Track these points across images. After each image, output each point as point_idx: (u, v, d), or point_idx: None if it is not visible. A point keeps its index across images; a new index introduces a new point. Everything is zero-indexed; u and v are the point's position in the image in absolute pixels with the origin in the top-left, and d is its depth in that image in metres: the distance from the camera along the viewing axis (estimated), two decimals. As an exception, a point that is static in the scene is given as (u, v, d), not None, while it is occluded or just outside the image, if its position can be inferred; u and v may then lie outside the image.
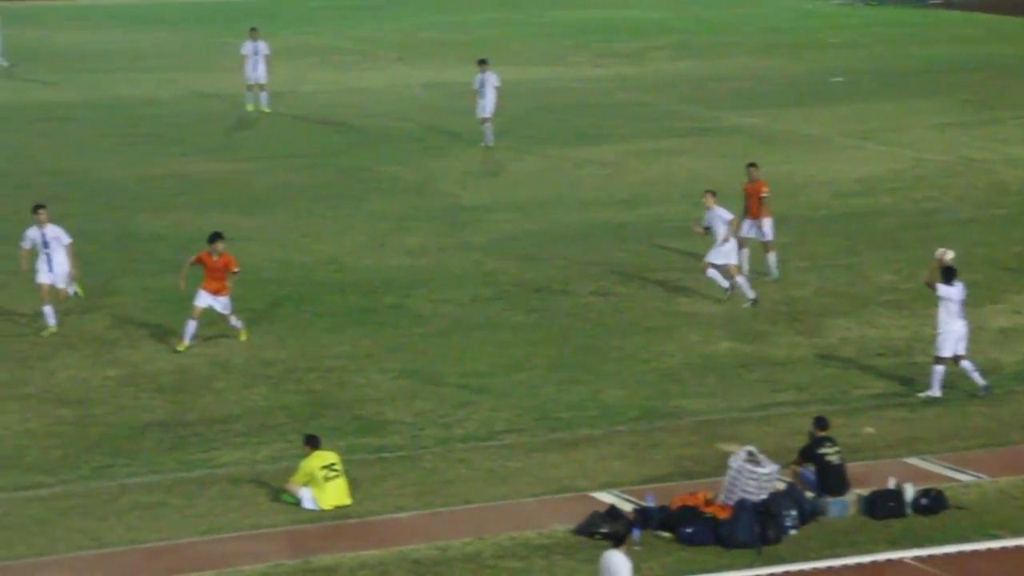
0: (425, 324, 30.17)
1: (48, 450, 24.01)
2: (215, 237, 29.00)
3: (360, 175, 43.64)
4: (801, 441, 22.37)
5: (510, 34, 74.86)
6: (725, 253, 31.26)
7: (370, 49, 69.61)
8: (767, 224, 32.75)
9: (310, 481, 21.88)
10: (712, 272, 31.33)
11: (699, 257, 34.62)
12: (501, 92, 46.56)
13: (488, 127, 46.48)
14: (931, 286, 26.11)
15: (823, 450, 21.79)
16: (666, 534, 20.74)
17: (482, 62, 47.07)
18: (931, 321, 28.05)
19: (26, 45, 69.46)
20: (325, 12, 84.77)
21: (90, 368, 27.65)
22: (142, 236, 36.87)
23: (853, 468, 22.15)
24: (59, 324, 29.52)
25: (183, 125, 51.24)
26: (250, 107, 52.57)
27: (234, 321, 29.03)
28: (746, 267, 32.21)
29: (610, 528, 17.94)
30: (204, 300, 28.70)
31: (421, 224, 37.92)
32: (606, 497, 21.89)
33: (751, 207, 32.75)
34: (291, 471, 22.28)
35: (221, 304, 28.83)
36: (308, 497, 21.85)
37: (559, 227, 37.60)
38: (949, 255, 26.15)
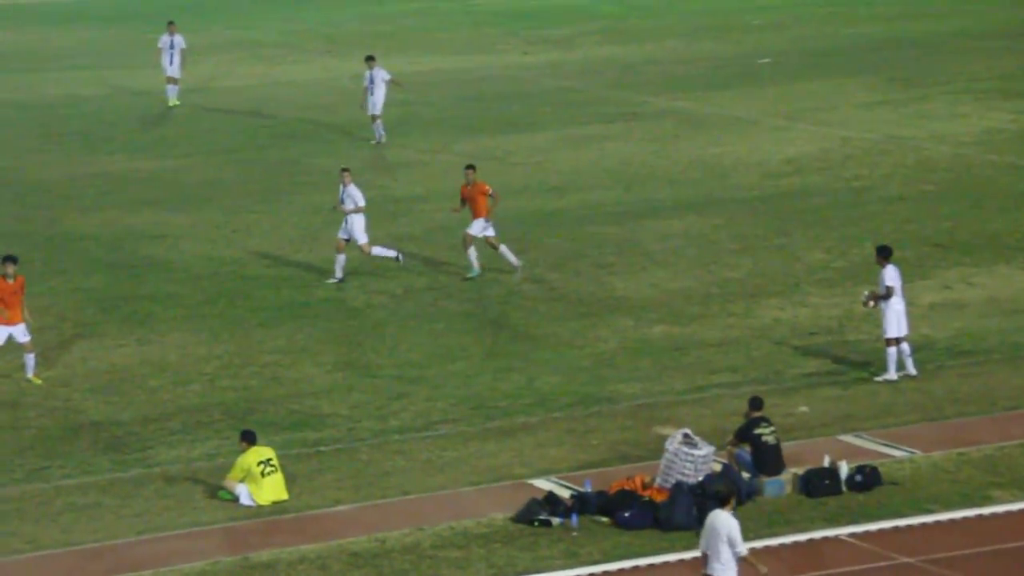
0: (359, 316, 30.12)
1: (-19, 454, 23.83)
2: (7, 260, 26.66)
3: (290, 169, 43.49)
4: (736, 422, 22.48)
5: (437, 23, 74.76)
6: (361, 229, 31.92)
7: (297, 42, 69.36)
8: (489, 222, 32.19)
9: (247, 477, 21.81)
10: (342, 256, 31.90)
11: (634, 242, 34.74)
12: (391, 86, 46.12)
13: (379, 124, 46.02)
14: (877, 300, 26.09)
15: (758, 430, 21.90)
16: (604, 519, 20.80)
17: (370, 58, 46.73)
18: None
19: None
20: (252, 5, 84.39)
21: (20, 370, 27.42)
22: (72, 236, 36.61)
23: (788, 447, 22.28)
24: None
25: (110, 123, 50.92)
26: (172, 103, 52.31)
27: (30, 362, 26.75)
28: (477, 266, 31.93)
29: (717, 489, 18.10)
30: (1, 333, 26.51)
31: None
32: (544, 484, 21.92)
33: (477, 208, 32.16)
34: (227, 468, 22.21)
35: (20, 332, 26.70)
36: (245, 493, 21.77)
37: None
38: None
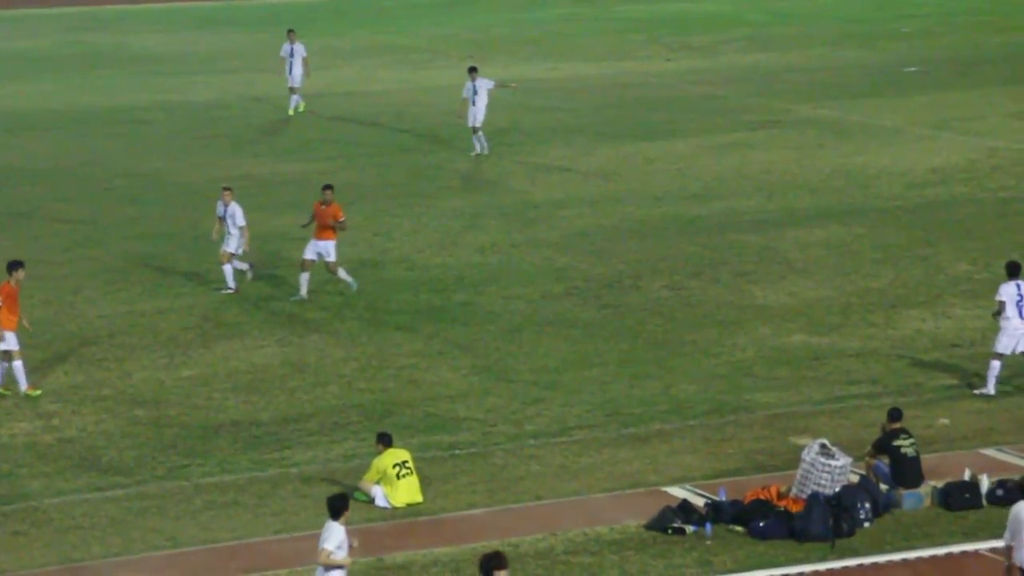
0: (496, 321, 30.20)
1: (124, 451, 24.22)
2: (15, 266, 26.66)
3: (431, 173, 43.73)
4: (875, 433, 22.22)
5: (581, 29, 74.77)
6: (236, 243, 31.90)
7: (441, 47, 69.72)
8: (333, 246, 31.75)
9: (382, 479, 21.96)
10: (228, 266, 31.84)
11: (775, 250, 34.51)
12: (497, 91, 45.50)
13: (480, 136, 45.26)
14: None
15: (897, 442, 21.64)
16: (739, 528, 20.67)
17: (472, 70, 45.89)
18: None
19: (102, 49, 70.12)
20: (397, 11, 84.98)
21: (165, 369, 27.87)
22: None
23: (928, 460, 21.98)
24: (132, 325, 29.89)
25: (256, 126, 51.54)
26: (292, 112, 52.21)
27: (21, 376, 26.40)
28: (304, 291, 31.50)
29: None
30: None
31: (492, 221, 37.95)
32: (678, 492, 21.83)
33: (322, 230, 31.65)
34: (363, 469, 22.37)
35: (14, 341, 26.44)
36: (380, 495, 21.92)
37: (630, 222, 37.52)
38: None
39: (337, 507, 18.06)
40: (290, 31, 53.05)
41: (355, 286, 31.87)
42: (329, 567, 17.95)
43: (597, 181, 42.03)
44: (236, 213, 32.29)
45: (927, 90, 54.19)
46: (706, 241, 35.48)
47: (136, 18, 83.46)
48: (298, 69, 51.86)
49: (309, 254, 31.73)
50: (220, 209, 32.54)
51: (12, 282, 26.73)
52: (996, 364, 25.45)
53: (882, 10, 78.72)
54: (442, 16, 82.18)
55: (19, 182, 40.88)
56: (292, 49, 52.04)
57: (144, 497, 22.40)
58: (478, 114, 45.18)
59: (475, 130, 45.47)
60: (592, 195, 40.44)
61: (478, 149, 45.44)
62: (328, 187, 32.27)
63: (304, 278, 31.66)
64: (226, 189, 32.87)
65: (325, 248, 31.75)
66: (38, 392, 26.61)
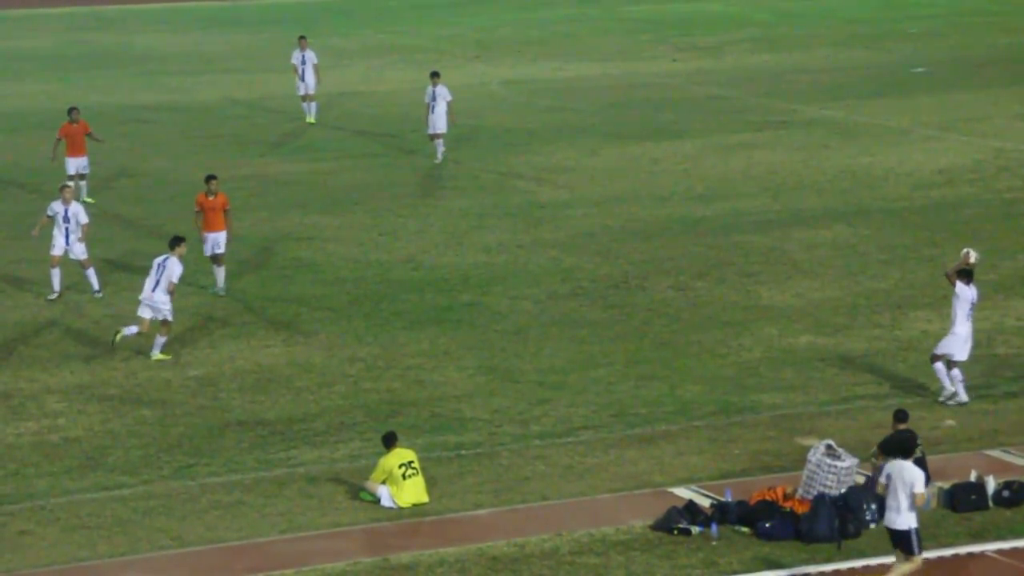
0: (502, 321, 30.19)
1: (130, 450, 24.23)
2: None
3: (437, 173, 43.74)
4: (881, 434, 22.17)
5: (587, 30, 74.79)
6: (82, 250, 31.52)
7: (448, 47, 69.74)
8: (223, 238, 31.78)
9: (388, 479, 21.95)
10: (57, 270, 31.55)
11: (778, 250, 34.47)
12: (452, 107, 44.26)
13: (440, 143, 44.36)
14: (951, 280, 25.55)
15: (903, 443, 21.59)
16: (745, 529, 20.66)
17: (434, 75, 44.95)
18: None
19: (107, 49, 70.15)
20: (403, 11, 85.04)
21: (171, 368, 27.87)
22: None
23: (934, 461, 21.96)
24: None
25: (262, 126, 51.56)
26: (312, 119, 51.33)
27: None
28: (222, 283, 31.72)
29: None
30: None
31: (498, 221, 37.95)
32: (684, 492, 21.82)
33: (213, 221, 31.64)
34: (369, 469, 22.37)
35: None
36: (386, 495, 21.92)
37: (636, 223, 37.52)
38: (973, 256, 25.57)
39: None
40: (301, 38, 52.27)
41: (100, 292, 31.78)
42: None
43: (603, 181, 42.02)
44: (80, 212, 31.84)
45: (934, 91, 54.17)
46: (712, 242, 35.47)
47: (140, 17, 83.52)
48: (311, 77, 51.03)
49: (209, 250, 31.72)
50: (57, 208, 31.77)
51: None
52: (940, 365, 25.28)
53: (889, 10, 78.70)
54: (448, 16, 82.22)
55: (23, 181, 40.90)
56: (304, 56, 51.29)
57: (150, 497, 22.40)
58: (437, 121, 44.10)
59: (434, 136, 44.25)
60: (598, 195, 40.43)
61: (438, 158, 44.38)
62: (212, 177, 32.12)
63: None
64: (66, 186, 32.41)
65: (215, 240, 31.63)
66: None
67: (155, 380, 27.32)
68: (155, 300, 28.36)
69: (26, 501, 22.29)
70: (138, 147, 48.30)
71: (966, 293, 25.18)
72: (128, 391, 26.82)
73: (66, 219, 31.73)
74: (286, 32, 75.53)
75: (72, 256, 31.86)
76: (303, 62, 51.07)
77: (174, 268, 28.54)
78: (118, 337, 28.38)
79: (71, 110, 40.48)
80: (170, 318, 28.41)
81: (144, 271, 34.00)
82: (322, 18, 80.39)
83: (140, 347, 28.93)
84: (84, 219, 31.92)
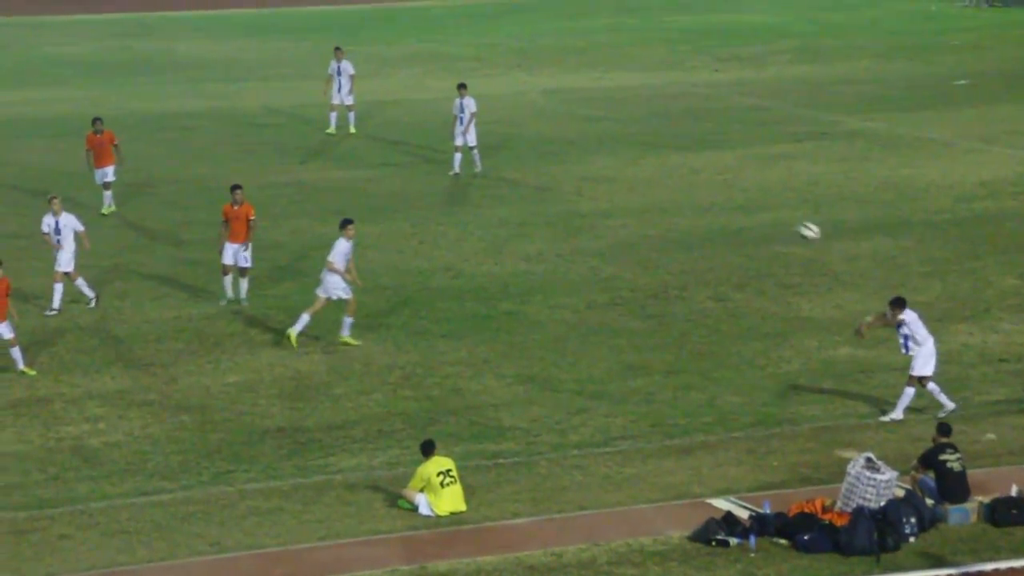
0: (541, 330, 30.18)
1: (169, 456, 24.32)
2: None
3: (477, 182, 43.76)
4: (921, 448, 22.11)
5: (628, 39, 74.70)
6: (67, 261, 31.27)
7: (489, 56, 69.76)
8: (247, 248, 31.77)
9: (426, 487, 21.97)
10: (60, 285, 31.32)
11: (819, 262, 34.37)
12: (477, 118, 43.98)
13: (476, 153, 44.07)
14: (878, 324, 25.51)
15: (944, 456, 21.53)
16: (783, 541, 20.60)
17: (461, 86, 44.73)
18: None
19: (149, 56, 70.44)
20: (445, 19, 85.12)
21: (211, 375, 27.97)
22: (262, 244, 37.03)
23: (974, 475, 21.87)
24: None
25: (302, 134, 51.65)
26: (331, 130, 50.87)
27: (18, 355, 27.82)
28: (231, 293, 31.77)
29: None
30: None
31: (538, 230, 37.95)
32: (722, 503, 21.77)
33: (237, 231, 31.64)
34: (407, 477, 22.40)
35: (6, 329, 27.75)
36: (424, 503, 21.93)
37: (676, 233, 37.47)
38: (814, 231, 25.74)
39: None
40: (337, 48, 52.10)
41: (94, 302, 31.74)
42: None
43: (643, 191, 41.97)
44: (72, 222, 31.68)
45: (976, 103, 53.93)
46: (752, 252, 35.40)
47: (183, 24, 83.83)
48: (346, 87, 50.85)
49: (229, 259, 31.69)
50: (50, 223, 31.63)
51: None
52: (911, 390, 25.21)
53: (931, 22, 78.40)
54: (490, 25, 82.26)
55: (67, 187, 41.05)
56: (339, 67, 51.23)
57: (189, 502, 22.48)
58: (467, 132, 43.84)
59: (470, 148, 44.00)
60: (638, 205, 40.39)
61: (476, 167, 44.12)
62: (238, 187, 32.14)
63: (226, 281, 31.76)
64: (54, 198, 32.14)
65: (238, 250, 31.67)
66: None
67: (195, 386, 27.42)
68: (332, 282, 29.07)
69: (67, 505, 22.40)
70: (179, 154, 48.47)
71: (913, 317, 25.07)
72: (168, 397, 26.92)
73: (57, 231, 31.51)
74: (328, 39, 75.68)
75: (58, 267, 31.44)
76: (339, 72, 50.97)
77: (341, 247, 29.28)
78: (293, 338, 29.06)
79: (95, 120, 40.24)
80: (347, 296, 29.15)
81: (182, 276, 34.12)
82: (365, 25, 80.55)
83: (179, 352, 29.04)
84: (79, 227, 31.63)
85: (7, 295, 27.73)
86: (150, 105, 57.17)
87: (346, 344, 29.13)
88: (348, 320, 29.40)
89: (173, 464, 23.97)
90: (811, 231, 26.04)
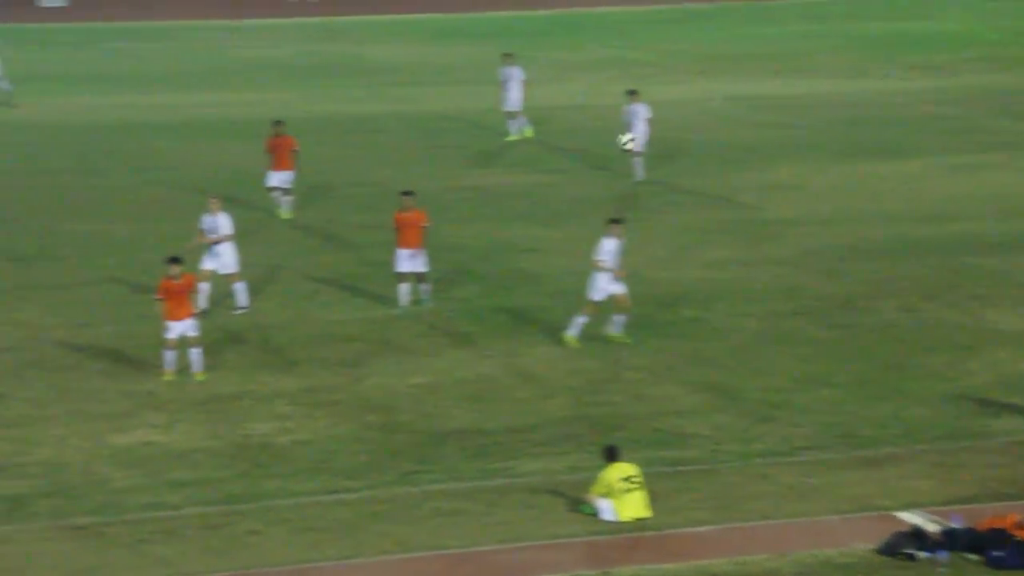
0: (725, 338, 30.02)
1: (355, 455, 24.60)
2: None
3: (659, 188, 43.63)
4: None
5: (816, 47, 73.98)
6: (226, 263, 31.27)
7: (672, 62, 69.54)
8: (423, 254, 31.60)
9: (609, 492, 21.96)
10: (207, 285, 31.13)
11: (1011, 274, 33.75)
12: (652, 124, 43.63)
13: (639, 161, 43.51)
14: None
15: None
16: (974, 557, 20.24)
17: (632, 93, 44.25)
18: None
19: (339, 59, 71.38)
20: (629, 25, 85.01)
21: (396, 376, 28.24)
22: (446, 246, 37.29)
23: None
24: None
25: (486, 138, 51.89)
26: (512, 137, 50.75)
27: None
28: (405, 301, 31.51)
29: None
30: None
31: (722, 237, 37.75)
32: (910, 517, 21.47)
33: (409, 237, 31.43)
34: (590, 482, 22.39)
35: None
36: (607, 508, 21.92)
37: (863, 242, 37.02)
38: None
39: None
40: (506, 55, 52.19)
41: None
42: None
43: (828, 199, 41.54)
44: (226, 223, 31.70)
45: None
46: (939, 263, 34.86)
47: (371, 29, 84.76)
48: (516, 93, 50.79)
49: (404, 266, 31.67)
50: (208, 222, 31.68)
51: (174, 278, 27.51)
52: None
53: None
54: (674, 31, 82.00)
55: (258, 189, 41.75)
56: (510, 73, 51.25)
57: (375, 501, 22.72)
58: (636, 139, 43.13)
59: (635, 155, 43.32)
60: (823, 213, 39.99)
61: (636, 176, 43.66)
62: (408, 192, 32.18)
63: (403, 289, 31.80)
64: (213, 198, 32.12)
65: (413, 256, 31.67)
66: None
67: (380, 387, 27.71)
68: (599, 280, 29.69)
69: (255, 501, 22.76)
70: (366, 157, 49.01)
71: None
72: (354, 397, 27.23)
73: (212, 231, 31.68)
74: (511, 45, 76.03)
75: (217, 269, 31.59)
76: (509, 78, 51.04)
77: (608, 245, 29.72)
78: (571, 338, 29.46)
79: (276, 123, 40.43)
80: (618, 291, 29.64)
81: (367, 278, 34.50)
82: (550, 31, 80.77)
83: (365, 353, 29.35)
84: (228, 230, 31.59)
85: (189, 292, 28.09)
86: (337, 108, 57.91)
87: (617, 341, 29.24)
88: (619, 318, 29.64)
89: (359, 463, 24.24)
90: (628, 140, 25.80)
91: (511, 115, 51.35)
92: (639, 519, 21.84)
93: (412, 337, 30.38)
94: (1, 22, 79.90)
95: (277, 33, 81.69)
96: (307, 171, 44.37)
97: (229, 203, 39.36)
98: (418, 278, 32.00)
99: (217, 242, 31.43)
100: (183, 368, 27.77)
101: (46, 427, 25.68)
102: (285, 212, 39.98)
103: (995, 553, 20.09)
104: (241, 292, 31.78)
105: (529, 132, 51.31)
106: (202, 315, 29.32)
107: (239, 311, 31.53)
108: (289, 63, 70.46)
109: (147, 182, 44.59)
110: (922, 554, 20.26)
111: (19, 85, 58.57)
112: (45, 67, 67.46)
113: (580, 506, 22.23)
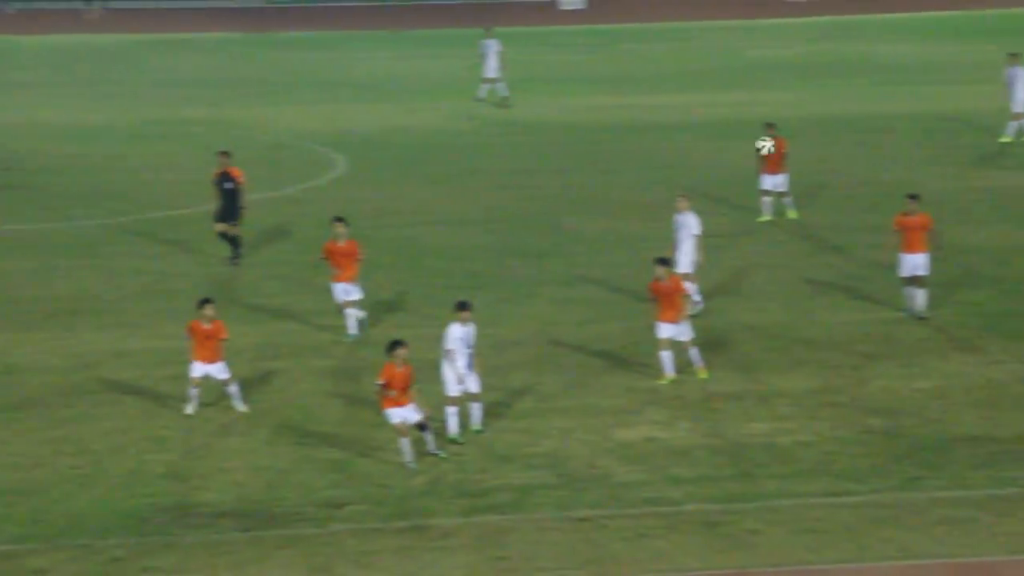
0: None
1: (857, 458, 24.19)
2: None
3: None
4: None
5: None
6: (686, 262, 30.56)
7: None
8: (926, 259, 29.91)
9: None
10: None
11: None
12: None
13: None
14: None
15: None
16: None
17: (1013, 55, 41.24)
18: None
19: (849, 58, 70.60)
20: None
21: (900, 379, 27.63)
22: (959, 248, 36.05)
23: None
24: None
25: (991, 138, 49.97)
26: (1005, 139, 48.65)
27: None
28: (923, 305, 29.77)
29: None
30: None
31: None
32: None
33: (912, 241, 30.48)
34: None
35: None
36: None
37: None
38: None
39: None
40: (1012, 55, 49.39)
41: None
42: None
43: None
44: (691, 222, 31.03)
45: None
46: None
47: (883, 27, 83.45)
48: (1022, 94, 48.36)
49: (906, 271, 30.71)
50: (679, 220, 31.22)
51: None
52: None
53: None
54: None
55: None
56: (1015, 73, 48.35)
57: (878, 506, 22.28)
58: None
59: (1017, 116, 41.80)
60: None
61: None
62: (913, 196, 30.94)
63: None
64: (682, 195, 31.83)
65: (914, 262, 30.59)
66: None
67: (884, 390, 27.17)
68: None
69: (756, 501, 22.67)
70: (875, 157, 48.18)
71: None
72: (856, 399, 26.79)
73: (676, 229, 31.39)
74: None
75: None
76: (1016, 78, 48.68)
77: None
78: None
79: (768, 126, 39.89)
80: None
81: (872, 280, 33.95)
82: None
83: (869, 355, 28.83)
84: (695, 230, 31.12)
85: (677, 294, 27.57)
86: (846, 107, 57.18)
87: None
88: None
89: (861, 467, 23.82)
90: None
91: (1017, 116, 49.38)
92: None
93: (918, 340, 29.68)
94: (524, 25, 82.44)
95: (789, 33, 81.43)
96: (812, 171, 44.07)
97: (732, 205, 39.43)
98: (915, 282, 31.16)
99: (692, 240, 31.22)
100: (684, 367, 27.83)
101: (553, 419, 26.25)
102: (791, 212, 39.70)
103: None
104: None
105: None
106: (694, 314, 29.10)
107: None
108: (798, 62, 70.12)
109: (654, 181, 45.04)
110: None
111: (530, 86, 60.34)
112: (559, 70, 69.20)
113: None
